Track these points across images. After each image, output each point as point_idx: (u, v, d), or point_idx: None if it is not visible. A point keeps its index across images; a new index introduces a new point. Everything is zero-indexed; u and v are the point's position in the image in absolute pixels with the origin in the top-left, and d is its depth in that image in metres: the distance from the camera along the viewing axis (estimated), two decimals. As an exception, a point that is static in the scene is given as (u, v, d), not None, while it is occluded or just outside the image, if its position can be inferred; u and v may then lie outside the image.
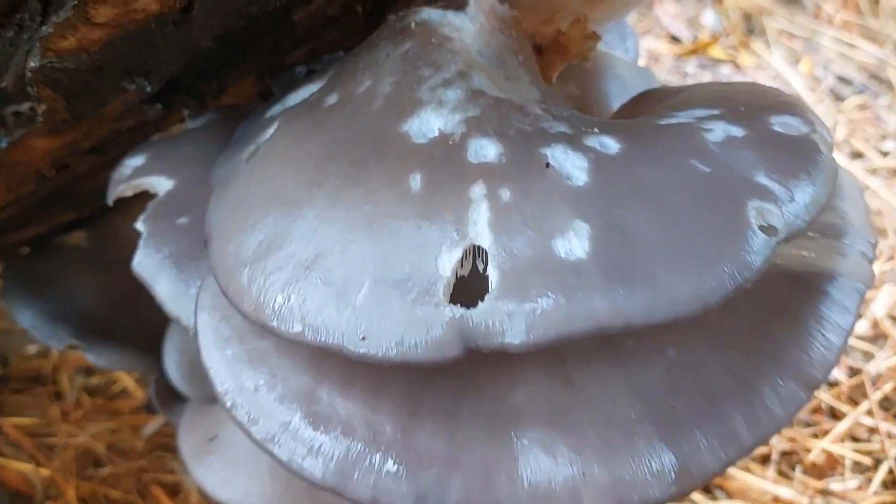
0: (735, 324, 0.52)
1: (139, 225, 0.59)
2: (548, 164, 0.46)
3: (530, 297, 0.42)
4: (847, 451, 1.12)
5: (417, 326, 0.44)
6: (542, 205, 0.45)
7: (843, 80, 2.04)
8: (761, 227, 0.44)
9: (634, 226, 0.44)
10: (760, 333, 0.51)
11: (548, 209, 0.45)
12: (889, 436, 1.17)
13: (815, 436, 1.15)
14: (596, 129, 0.49)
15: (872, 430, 1.19)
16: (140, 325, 0.90)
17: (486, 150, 0.48)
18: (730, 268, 0.42)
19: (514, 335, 0.42)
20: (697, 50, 1.95)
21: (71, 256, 1.00)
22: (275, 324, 0.47)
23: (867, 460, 1.12)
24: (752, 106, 0.51)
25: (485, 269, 0.44)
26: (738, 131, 0.48)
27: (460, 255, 0.45)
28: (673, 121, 0.50)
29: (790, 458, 1.12)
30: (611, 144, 0.48)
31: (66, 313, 0.93)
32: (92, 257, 0.99)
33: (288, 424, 0.50)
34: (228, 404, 0.51)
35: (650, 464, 0.46)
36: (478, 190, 0.46)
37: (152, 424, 1.07)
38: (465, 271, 0.46)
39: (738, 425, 0.48)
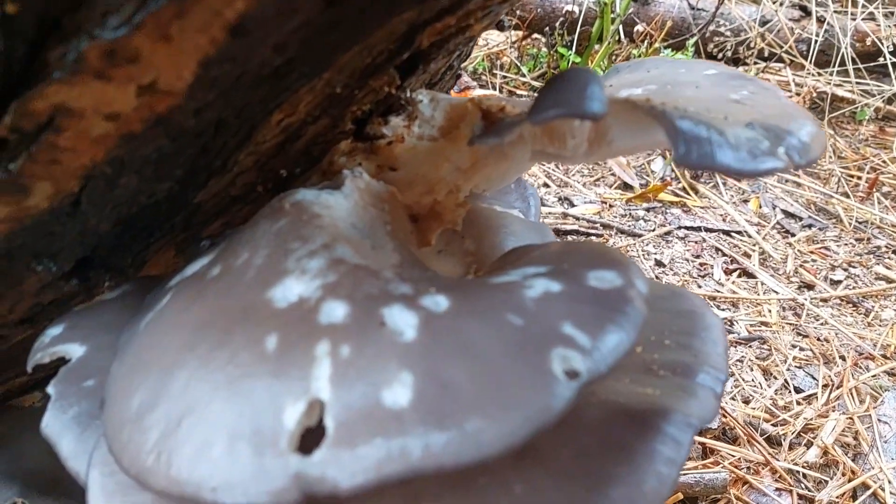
0: (578, 460, 0.56)
1: (49, 388, 0.65)
2: (382, 323, 0.53)
3: (357, 444, 0.47)
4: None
5: (260, 476, 0.48)
6: (374, 359, 0.51)
7: (791, 215, 2.15)
8: (566, 372, 0.49)
9: (451, 375, 0.49)
10: (600, 469, 0.56)
11: (379, 362, 0.51)
12: (848, 570, 1.15)
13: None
14: (433, 290, 0.56)
15: (831, 564, 1.17)
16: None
17: (336, 311, 0.55)
18: (531, 411, 0.47)
19: (343, 480, 0.47)
20: (648, 195, 2.06)
21: (26, 417, 1.06)
22: (146, 478, 0.53)
23: None
24: (576, 262, 0.58)
25: (324, 420, 0.50)
26: (555, 286, 0.55)
27: (304, 408, 0.50)
28: (503, 279, 0.57)
29: None
30: (442, 302, 0.54)
31: (15, 473, 0.98)
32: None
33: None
34: (109, 556, 0.55)
35: None
36: (322, 347, 0.52)
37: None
38: (313, 421, 0.51)
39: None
